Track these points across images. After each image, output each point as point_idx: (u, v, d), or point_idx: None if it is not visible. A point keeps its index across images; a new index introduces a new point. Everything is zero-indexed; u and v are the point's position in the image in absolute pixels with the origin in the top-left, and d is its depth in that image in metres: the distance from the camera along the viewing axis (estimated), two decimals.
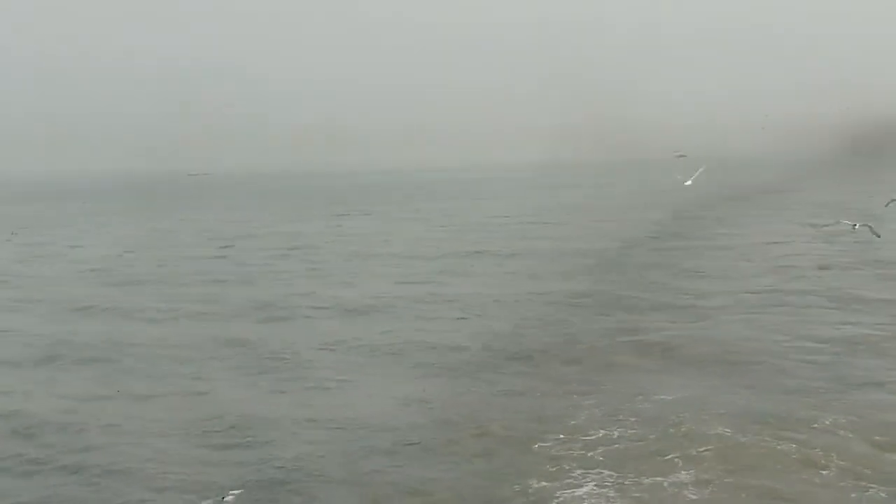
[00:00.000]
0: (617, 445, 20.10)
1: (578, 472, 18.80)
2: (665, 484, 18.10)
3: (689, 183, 31.40)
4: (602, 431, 20.96)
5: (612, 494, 17.75)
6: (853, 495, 17.19)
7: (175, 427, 23.49)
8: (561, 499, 17.78)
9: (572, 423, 21.69)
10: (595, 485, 18.25)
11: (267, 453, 20.94)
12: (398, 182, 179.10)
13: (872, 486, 17.47)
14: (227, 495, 18.61)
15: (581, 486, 18.23)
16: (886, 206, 29.92)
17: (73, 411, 25.36)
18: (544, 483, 18.49)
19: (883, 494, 17.11)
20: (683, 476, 18.37)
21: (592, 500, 17.60)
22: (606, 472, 18.70)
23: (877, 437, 19.75)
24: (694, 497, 17.56)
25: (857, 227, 30.25)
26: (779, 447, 19.39)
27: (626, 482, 18.22)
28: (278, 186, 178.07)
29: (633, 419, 21.65)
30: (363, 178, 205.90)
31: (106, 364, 30.77)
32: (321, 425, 22.88)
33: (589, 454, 19.68)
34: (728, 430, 20.46)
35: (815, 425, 20.59)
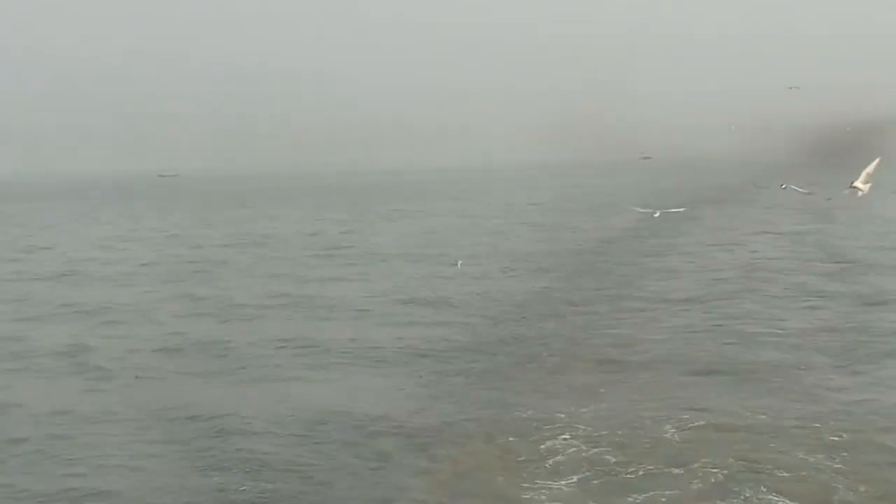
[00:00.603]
0: (583, 417, 21.87)
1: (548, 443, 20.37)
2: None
3: (657, 214, 29.85)
4: (570, 409, 22.54)
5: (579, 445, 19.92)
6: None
7: (141, 421, 23.76)
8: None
9: (541, 407, 22.90)
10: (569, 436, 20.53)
11: (231, 446, 21.27)
12: (392, 181, 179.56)
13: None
14: None
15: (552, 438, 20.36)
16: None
17: (37, 408, 25.44)
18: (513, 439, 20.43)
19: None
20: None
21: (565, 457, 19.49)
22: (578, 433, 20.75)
23: (833, 421, 21.09)
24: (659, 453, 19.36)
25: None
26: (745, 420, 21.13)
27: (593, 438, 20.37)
28: (262, 186, 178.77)
29: (598, 403, 23.13)
30: (358, 178, 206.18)
31: (72, 362, 30.97)
32: (290, 420, 23.20)
33: (558, 426, 21.34)
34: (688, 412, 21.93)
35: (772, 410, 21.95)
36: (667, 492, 17.68)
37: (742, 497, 17.31)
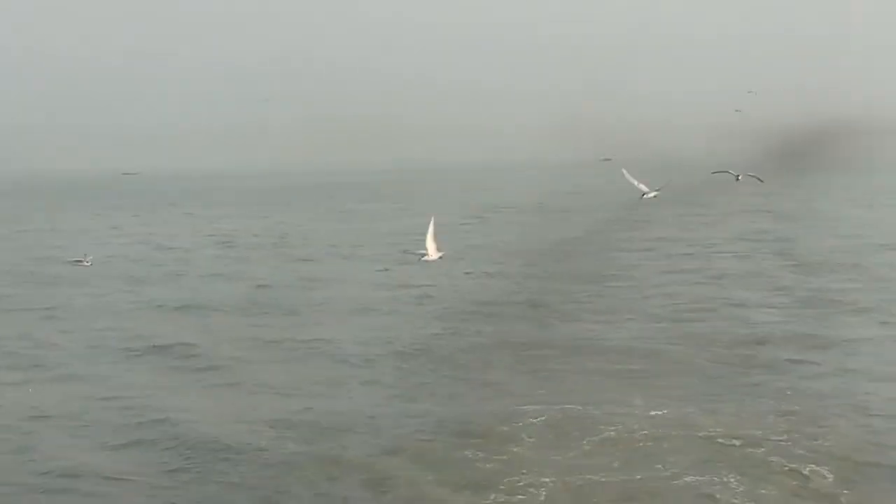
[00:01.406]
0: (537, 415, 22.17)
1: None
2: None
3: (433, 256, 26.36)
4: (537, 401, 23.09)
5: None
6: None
7: (95, 422, 23.63)
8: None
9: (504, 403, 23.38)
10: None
11: (179, 439, 21.46)
12: (386, 180, 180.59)
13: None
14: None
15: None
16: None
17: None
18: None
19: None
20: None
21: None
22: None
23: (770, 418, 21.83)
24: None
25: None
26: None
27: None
28: (240, 186, 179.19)
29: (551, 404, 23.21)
30: (354, 177, 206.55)
31: (21, 361, 30.73)
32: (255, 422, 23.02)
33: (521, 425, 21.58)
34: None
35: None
36: (631, 480, 18.38)
37: (700, 484, 18.03)
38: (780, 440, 20.06)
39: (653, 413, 21.95)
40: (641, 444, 20.02)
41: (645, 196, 20.05)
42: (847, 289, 38.03)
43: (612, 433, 20.60)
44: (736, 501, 17.24)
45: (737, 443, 19.85)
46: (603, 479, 18.30)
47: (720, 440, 20.08)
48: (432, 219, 21.18)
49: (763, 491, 17.69)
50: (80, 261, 39.43)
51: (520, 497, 17.79)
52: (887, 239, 53.55)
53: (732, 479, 17.99)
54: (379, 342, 30.90)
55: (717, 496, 17.43)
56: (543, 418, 21.73)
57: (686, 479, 18.17)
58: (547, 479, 18.36)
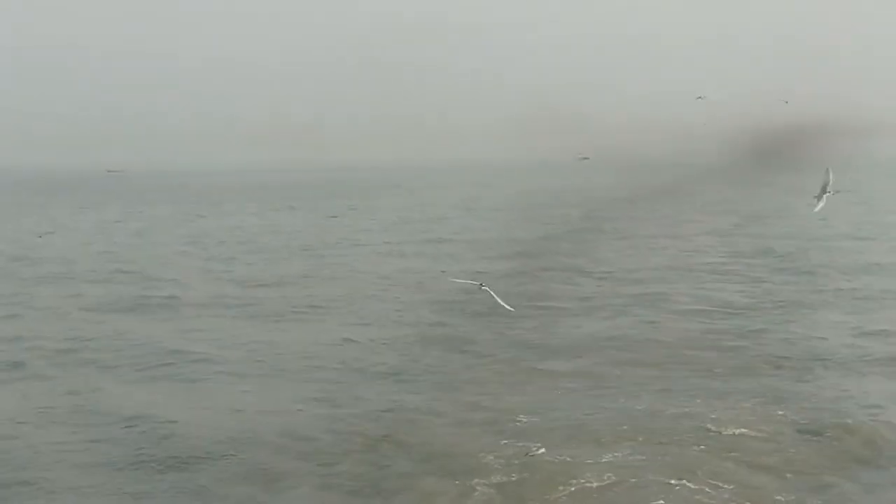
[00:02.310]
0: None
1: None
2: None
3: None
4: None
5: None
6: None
7: (60, 417, 24.17)
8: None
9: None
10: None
11: (158, 447, 21.67)
12: (377, 178, 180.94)
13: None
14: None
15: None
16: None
17: None
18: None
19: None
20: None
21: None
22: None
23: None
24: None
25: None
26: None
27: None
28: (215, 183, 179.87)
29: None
30: (350, 174, 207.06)
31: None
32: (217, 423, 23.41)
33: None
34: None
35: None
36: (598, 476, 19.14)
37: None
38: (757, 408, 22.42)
39: (633, 404, 23.41)
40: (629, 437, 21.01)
41: (482, 287, 22.74)
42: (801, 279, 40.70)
43: (598, 425, 21.80)
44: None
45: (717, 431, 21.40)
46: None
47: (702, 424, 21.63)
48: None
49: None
50: None
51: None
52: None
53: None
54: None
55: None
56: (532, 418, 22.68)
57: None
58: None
